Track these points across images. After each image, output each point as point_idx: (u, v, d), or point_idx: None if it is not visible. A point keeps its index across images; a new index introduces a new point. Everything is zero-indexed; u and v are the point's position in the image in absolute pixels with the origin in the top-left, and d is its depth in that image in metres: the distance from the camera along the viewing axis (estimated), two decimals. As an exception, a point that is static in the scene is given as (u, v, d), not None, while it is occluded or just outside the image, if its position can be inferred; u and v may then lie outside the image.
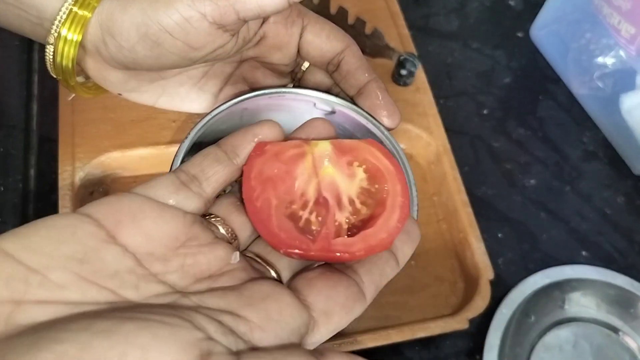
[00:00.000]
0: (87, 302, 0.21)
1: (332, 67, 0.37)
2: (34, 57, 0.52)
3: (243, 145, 0.30)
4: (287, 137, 0.33)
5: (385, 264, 0.29)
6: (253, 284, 0.25)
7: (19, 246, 0.21)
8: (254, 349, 0.22)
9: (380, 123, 0.37)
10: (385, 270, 0.29)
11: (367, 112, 0.37)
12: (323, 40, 0.36)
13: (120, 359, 0.18)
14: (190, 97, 0.37)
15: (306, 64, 0.38)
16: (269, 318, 0.23)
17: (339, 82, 0.37)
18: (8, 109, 0.49)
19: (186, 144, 0.35)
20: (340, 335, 0.41)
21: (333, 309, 0.26)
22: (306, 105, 0.39)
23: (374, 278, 0.28)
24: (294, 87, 0.40)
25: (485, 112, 0.55)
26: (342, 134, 0.40)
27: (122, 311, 0.20)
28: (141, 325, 0.19)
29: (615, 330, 0.45)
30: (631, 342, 0.45)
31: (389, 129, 0.37)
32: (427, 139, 0.49)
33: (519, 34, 0.60)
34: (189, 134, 0.35)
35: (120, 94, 0.35)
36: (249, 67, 0.38)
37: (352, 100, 0.38)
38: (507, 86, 0.57)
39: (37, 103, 0.50)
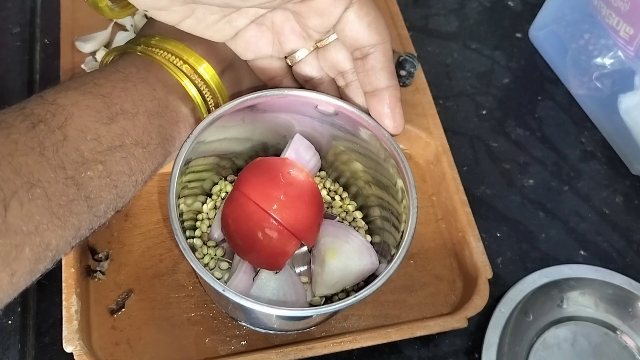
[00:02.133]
0: None
1: (358, 54, 0.36)
2: (36, 57, 0.52)
3: None
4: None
5: None
6: None
7: None
8: None
9: (381, 126, 0.37)
10: None
11: (368, 114, 0.37)
12: (363, 26, 0.35)
13: None
14: (216, 27, 0.36)
15: (333, 37, 0.37)
16: None
17: (358, 72, 0.36)
18: (10, 109, 0.50)
19: (189, 143, 0.35)
20: (340, 334, 0.41)
21: None
22: (308, 107, 0.39)
23: None
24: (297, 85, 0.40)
25: (484, 112, 0.55)
26: (344, 136, 0.40)
27: None
28: None
29: (613, 329, 0.45)
30: (629, 341, 0.45)
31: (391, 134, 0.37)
32: (426, 139, 0.49)
33: (518, 35, 0.60)
34: (192, 132, 0.36)
35: (146, 11, 0.34)
36: (282, 16, 0.37)
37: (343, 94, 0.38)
38: (506, 86, 0.57)
39: (38, 103, 0.50)
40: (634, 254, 0.49)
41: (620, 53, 0.49)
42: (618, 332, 0.45)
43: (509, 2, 0.63)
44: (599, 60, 0.52)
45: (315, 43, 0.38)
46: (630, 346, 0.45)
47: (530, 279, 0.45)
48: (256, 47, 0.37)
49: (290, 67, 0.40)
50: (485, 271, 0.44)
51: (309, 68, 0.39)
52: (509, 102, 0.56)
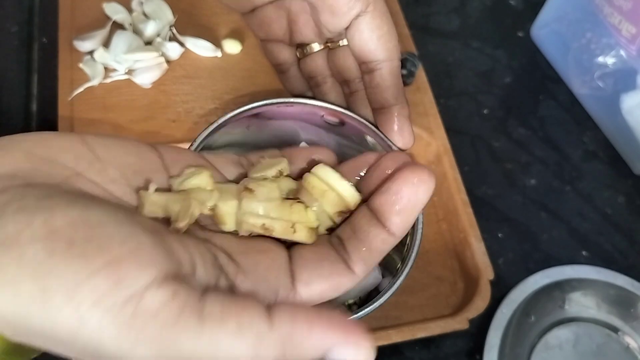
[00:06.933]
0: (122, 201, 0.24)
1: (364, 68, 0.35)
2: (34, 56, 0.52)
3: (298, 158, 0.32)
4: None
5: (374, 239, 0.27)
6: (257, 238, 0.26)
7: (97, 141, 0.24)
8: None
9: (387, 137, 0.37)
10: (373, 245, 0.27)
11: (375, 126, 0.37)
12: (372, 39, 0.34)
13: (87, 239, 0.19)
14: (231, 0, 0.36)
15: (344, 42, 0.36)
16: (256, 270, 0.24)
17: (365, 87, 0.36)
18: (8, 108, 0.49)
19: (194, 148, 0.35)
20: (340, 336, 0.41)
21: (315, 281, 0.26)
22: (314, 116, 0.39)
23: (362, 255, 0.27)
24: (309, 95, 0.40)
25: (485, 111, 0.55)
26: (349, 145, 0.40)
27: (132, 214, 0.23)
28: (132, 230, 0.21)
29: (615, 330, 0.45)
30: (631, 342, 0.45)
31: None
32: (427, 139, 0.49)
33: (520, 34, 0.60)
34: (196, 138, 0.35)
35: None
36: (299, 5, 0.36)
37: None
38: (507, 86, 0.57)
39: (36, 103, 0.50)
40: (637, 255, 0.49)
41: (622, 52, 0.49)
42: (620, 333, 0.45)
43: (511, 1, 0.62)
44: (601, 59, 0.51)
45: (327, 43, 0.37)
46: (633, 347, 0.45)
47: (532, 280, 0.45)
48: (269, 28, 0.38)
49: (299, 59, 0.39)
50: (486, 272, 0.43)
51: (315, 65, 0.39)
52: (510, 102, 0.56)
